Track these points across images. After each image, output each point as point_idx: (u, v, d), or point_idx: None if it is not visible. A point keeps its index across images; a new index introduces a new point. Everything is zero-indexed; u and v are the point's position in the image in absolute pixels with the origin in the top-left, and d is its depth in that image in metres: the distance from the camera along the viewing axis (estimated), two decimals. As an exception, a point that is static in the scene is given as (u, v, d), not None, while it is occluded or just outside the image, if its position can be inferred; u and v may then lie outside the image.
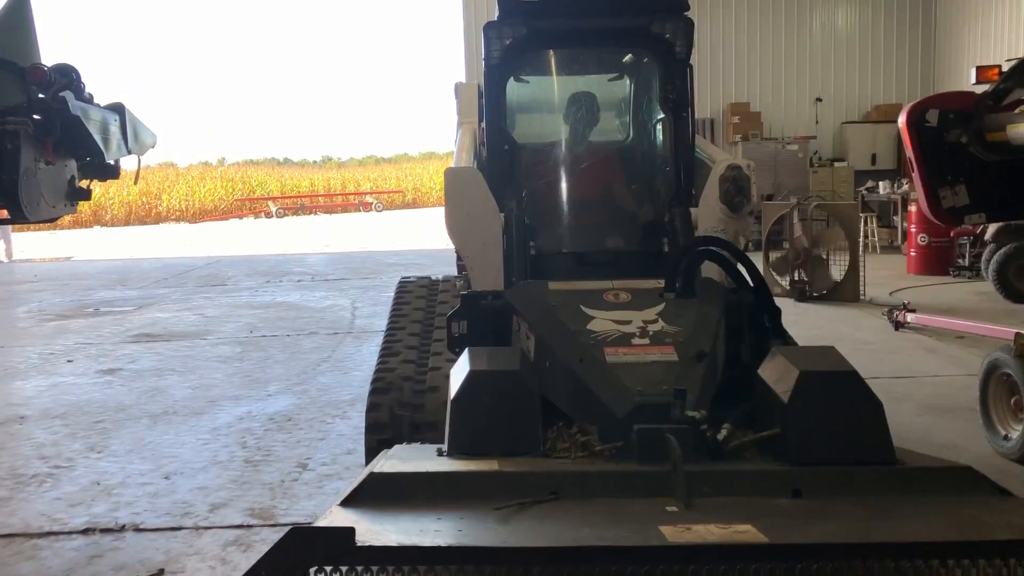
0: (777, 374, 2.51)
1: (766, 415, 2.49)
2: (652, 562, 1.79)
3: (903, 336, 7.84)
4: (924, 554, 1.80)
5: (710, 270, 3.53)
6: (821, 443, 2.34)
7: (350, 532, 1.77)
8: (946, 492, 2.20)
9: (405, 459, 2.42)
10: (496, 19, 4.09)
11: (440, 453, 2.45)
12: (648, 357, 2.76)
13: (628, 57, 4.58)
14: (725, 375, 2.94)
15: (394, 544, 1.86)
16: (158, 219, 36.08)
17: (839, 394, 2.43)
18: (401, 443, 3.66)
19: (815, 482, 2.23)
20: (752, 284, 3.24)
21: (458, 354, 3.26)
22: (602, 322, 2.97)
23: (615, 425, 2.49)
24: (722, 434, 2.38)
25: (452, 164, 4.30)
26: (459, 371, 2.64)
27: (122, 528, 4.00)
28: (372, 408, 3.79)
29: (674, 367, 2.71)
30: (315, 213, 37.30)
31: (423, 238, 22.63)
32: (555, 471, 2.30)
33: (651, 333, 2.89)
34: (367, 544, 1.80)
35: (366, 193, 40.05)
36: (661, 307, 3.06)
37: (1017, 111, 5.22)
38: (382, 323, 4.86)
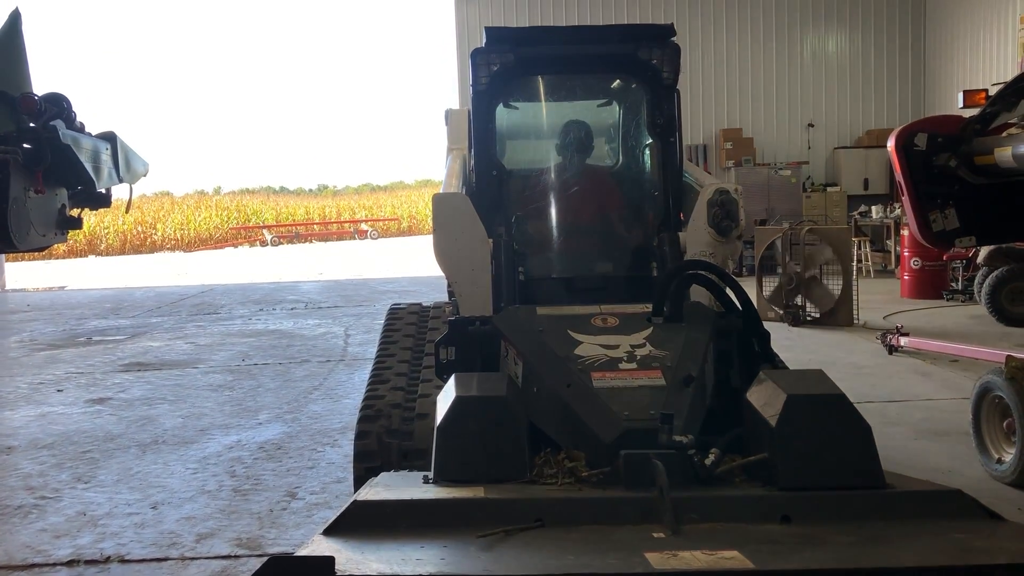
0: (765, 398, 2.49)
1: (754, 439, 2.47)
2: None
3: (897, 360, 7.82)
4: None
5: (699, 294, 3.52)
6: (810, 468, 2.32)
7: (330, 561, 1.75)
8: (936, 516, 2.18)
9: (390, 487, 2.39)
10: (483, 46, 4.11)
11: (426, 480, 2.43)
12: (635, 382, 2.75)
13: (616, 83, 4.60)
14: (714, 399, 2.93)
15: (374, 574, 1.83)
16: (153, 248, 36.03)
17: (827, 418, 2.41)
18: (389, 469, 3.64)
19: (804, 507, 2.20)
20: (740, 308, 3.23)
21: (446, 380, 3.24)
22: (590, 346, 2.95)
23: (602, 451, 2.47)
24: (709, 459, 2.36)
25: (441, 190, 4.29)
26: (446, 397, 2.62)
27: (107, 560, 3.94)
28: (360, 436, 3.75)
29: (661, 392, 2.69)
30: (310, 241, 37.32)
31: (418, 265, 22.63)
32: (540, 498, 2.28)
33: (638, 357, 2.87)
34: (347, 574, 1.77)
35: (361, 221, 40.11)
36: (649, 331, 3.05)
37: (1004, 134, 5.24)
38: (375, 350, 4.83)
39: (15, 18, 6.66)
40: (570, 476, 2.42)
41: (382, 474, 2.63)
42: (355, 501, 2.21)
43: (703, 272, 3.26)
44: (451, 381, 2.70)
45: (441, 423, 2.48)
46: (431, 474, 2.42)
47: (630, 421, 2.52)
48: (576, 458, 2.52)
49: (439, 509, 2.22)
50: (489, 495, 2.25)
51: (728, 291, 3.26)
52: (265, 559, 1.77)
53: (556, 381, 2.81)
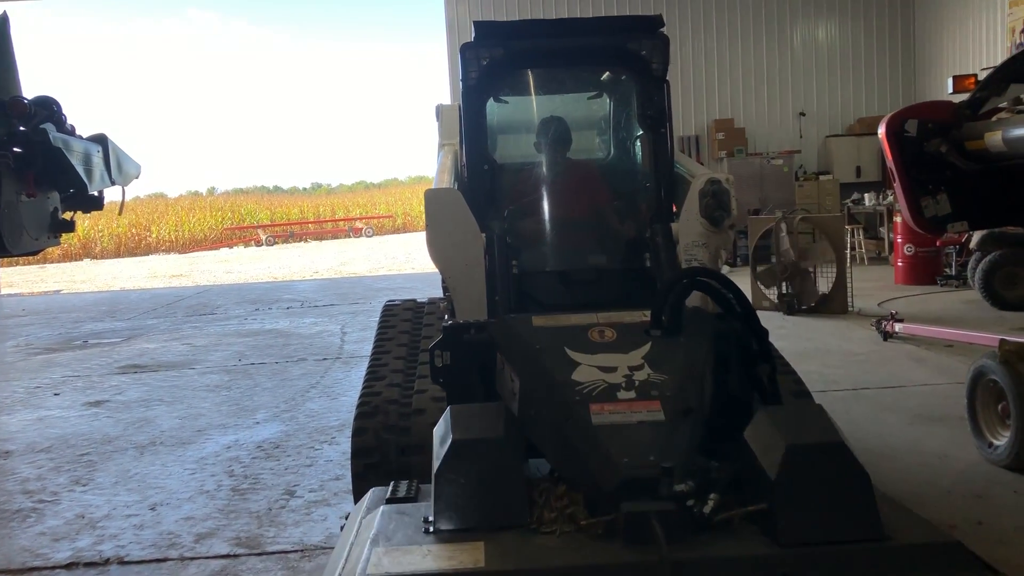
0: (764, 442, 2.46)
1: (752, 484, 2.45)
2: None
3: (892, 346, 7.84)
4: None
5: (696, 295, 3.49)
6: (810, 522, 2.30)
7: None
8: (935, 570, 2.18)
9: (391, 541, 2.35)
10: (473, 40, 4.10)
11: (426, 522, 2.41)
12: (634, 416, 2.71)
13: (606, 75, 4.59)
14: (713, 407, 2.89)
15: None
16: (148, 250, 35.99)
17: (828, 469, 2.39)
18: (387, 465, 3.63)
19: (804, 565, 2.20)
20: (740, 311, 3.17)
21: (441, 385, 3.22)
22: (588, 369, 2.91)
23: (602, 498, 2.46)
24: (709, 506, 2.34)
25: (433, 186, 4.28)
26: (442, 437, 2.58)
27: (106, 561, 3.94)
28: (358, 432, 3.75)
29: (661, 428, 2.66)
30: (305, 240, 37.31)
31: (414, 262, 22.63)
32: (542, 568, 2.27)
33: (636, 384, 2.83)
34: None
35: (356, 219, 40.08)
36: (647, 348, 3.00)
37: (994, 119, 5.26)
38: (371, 348, 4.83)
39: (2, 22, 6.64)
40: (570, 523, 2.41)
41: (383, 508, 2.59)
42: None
43: (702, 279, 3.21)
44: (446, 415, 2.67)
45: (439, 468, 2.45)
46: (432, 516, 2.41)
47: (630, 469, 2.50)
48: (575, 501, 2.51)
49: None
50: (490, 559, 2.24)
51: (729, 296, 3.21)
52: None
53: (554, 411, 2.78)
